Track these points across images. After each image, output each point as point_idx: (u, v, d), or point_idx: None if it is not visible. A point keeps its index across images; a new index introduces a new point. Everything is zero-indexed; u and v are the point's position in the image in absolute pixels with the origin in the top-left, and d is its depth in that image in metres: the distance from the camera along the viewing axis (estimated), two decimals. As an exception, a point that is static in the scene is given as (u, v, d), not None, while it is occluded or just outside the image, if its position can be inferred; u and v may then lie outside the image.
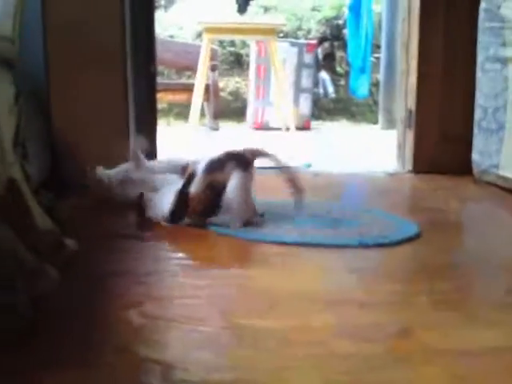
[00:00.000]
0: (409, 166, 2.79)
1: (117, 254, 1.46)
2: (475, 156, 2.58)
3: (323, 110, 5.87)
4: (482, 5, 2.44)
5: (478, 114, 2.54)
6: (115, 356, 0.93)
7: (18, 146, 1.39)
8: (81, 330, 1.02)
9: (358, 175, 2.74)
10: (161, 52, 3.61)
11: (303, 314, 1.12)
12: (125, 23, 1.97)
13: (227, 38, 5.01)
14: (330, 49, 6.00)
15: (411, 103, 2.75)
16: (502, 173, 2.38)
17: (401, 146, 2.88)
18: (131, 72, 2.15)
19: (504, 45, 2.31)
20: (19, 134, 1.39)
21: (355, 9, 5.10)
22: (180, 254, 1.56)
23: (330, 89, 5.62)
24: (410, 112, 2.76)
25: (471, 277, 1.43)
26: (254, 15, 5.67)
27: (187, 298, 1.21)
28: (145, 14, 2.18)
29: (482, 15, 2.46)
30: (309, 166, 2.94)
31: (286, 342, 1.00)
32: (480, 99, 2.52)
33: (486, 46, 2.45)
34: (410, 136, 2.78)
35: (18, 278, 0.98)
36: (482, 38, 2.47)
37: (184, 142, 3.91)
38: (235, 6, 4.48)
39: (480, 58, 2.50)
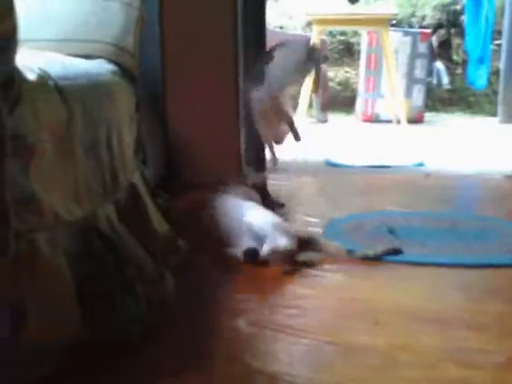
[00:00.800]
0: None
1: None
2: None
3: (438, 100, 5.66)
4: None
5: None
6: (226, 364, 0.98)
7: (139, 152, 1.49)
8: (194, 337, 1.08)
9: (473, 177, 2.63)
10: (269, 43, 3.65)
11: (409, 333, 1.11)
12: (237, 30, 2.03)
13: (337, 28, 4.95)
14: (445, 36, 5.76)
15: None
16: None
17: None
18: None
19: None
20: (139, 141, 1.48)
21: (475, -2, 4.85)
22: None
23: (445, 79, 5.41)
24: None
25: None
26: (365, 3, 5.56)
27: (291, 307, 1.23)
28: (255, 27, 2.24)
29: None
30: (421, 164, 2.88)
31: (393, 363, 1.00)
32: None
33: None
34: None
35: (139, 284, 1.05)
36: None
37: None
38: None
39: None
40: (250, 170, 2.30)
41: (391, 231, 1.72)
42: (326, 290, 1.35)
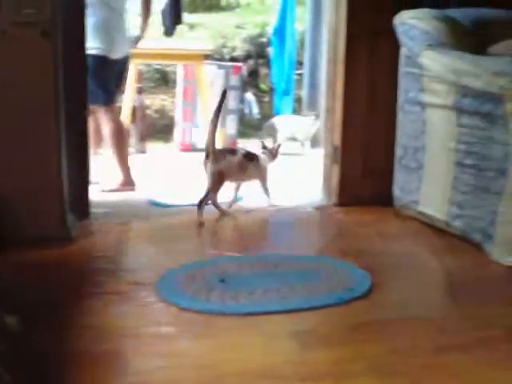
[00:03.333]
0: (334, 198, 2.92)
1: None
2: (396, 191, 2.74)
3: (249, 126, 5.96)
4: (403, 51, 2.60)
5: (399, 152, 2.71)
6: None
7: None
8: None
9: (288, 211, 2.81)
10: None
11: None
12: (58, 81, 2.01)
13: (154, 62, 4.99)
14: (254, 66, 6.11)
15: (337, 140, 2.87)
16: (421, 209, 2.55)
17: (326, 179, 3.00)
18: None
19: (422, 90, 2.47)
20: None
21: (279, 32, 5.23)
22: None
23: (255, 109, 5.73)
24: (336, 148, 2.89)
25: (400, 336, 1.53)
26: (179, 33, 5.68)
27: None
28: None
29: (402, 60, 2.62)
30: (239, 199, 3.00)
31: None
32: (401, 139, 2.68)
33: (406, 90, 2.60)
34: (336, 170, 2.91)
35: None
36: (403, 82, 2.63)
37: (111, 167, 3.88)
38: (161, 28, 4.47)
39: (400, 99, 2.66)
40: (73, 218, 2.23)
41: (222, 280, 1.79)
42: (173, 357, 1.35)
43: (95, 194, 2.62)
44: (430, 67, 2.38)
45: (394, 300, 1.77)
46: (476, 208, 2.22)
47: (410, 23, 2.53)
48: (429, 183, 2.50)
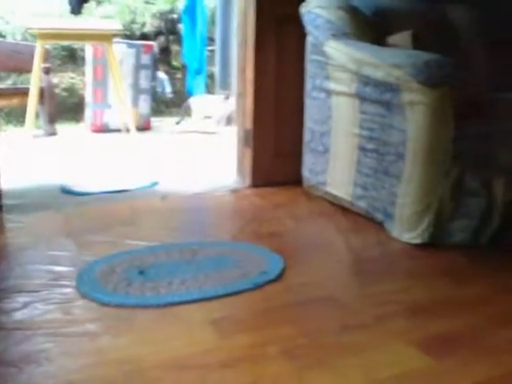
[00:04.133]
0: (248, 180, 3.02)
1: None
2: (305, 172, 2.89)
3: (162, 103, 5.94)
4: (309, 39, 2.71)
5: (307, 135, 2.84)
6: None
7: None
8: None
9: (203, 195, 2.88)
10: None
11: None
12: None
13: (62, 42, 4.84)
14: (165, 43, 6.06)
15: (248, 123, 2.96)
16: (328, 189, 2.71)
17: (240, 162, 3.10)
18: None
19: (328, 78, 2.60)
20: None
21: (190, 11, 5.21)
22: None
23: (168, 88, 5.71)
24: (248, 131, 2.98)
25: (309, 318, 1.67)
26: (86, 10, 5.52)
27: None
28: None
29: (308, 48, 2.73)
30: (154, 184, 3.04)
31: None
32: (308, 123, 2.81)
33: (312, 76, 2.72)
34: (248, 153, 3.01)
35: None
36: (309, 69, 2.74)
37: (19, 150, 3.79)
38: (68, 7, 4.33)
39: (308, 85, 2.78)
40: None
41: (141, 272, 1.85)
42: (96, 354, 1.39)
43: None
44: (333, 56, 2.50)
45: (304, 281, 1.90)
46: (377, 189, 2.39)
47: (315, 12, 2.64)
48: (335, 166, 2.65)
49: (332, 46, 2.51)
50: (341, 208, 2.63)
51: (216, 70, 5.56)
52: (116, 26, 4.08)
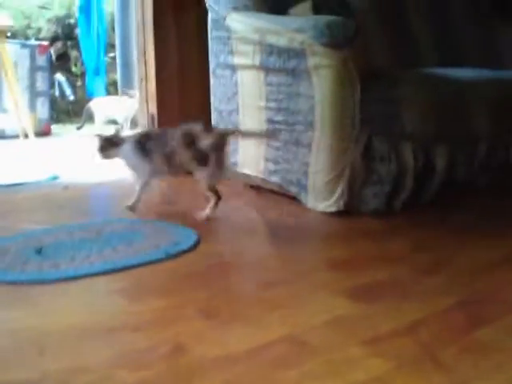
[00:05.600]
0: (157, 168, 2.89)
1: None
2: (216, 156, 2.79)
3: (63, 112, 5.68)
4: (210, 15, 2.63)
5: (214, 116, 2.75)
6: None
7: None
8: None
9: (108, 184, 2.73)
10: None
11: (78, 353, 1.11)
12: None
13: None
14: (63, 49, 5.81)
15: (153, 108, 2.84)
16: (240, 170, 2.62)
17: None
18: None
19: (232, 53, 2.53)
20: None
21: (85, 10, 5.03)
22: None
23: (68, 91, 5.46)
24: (153, 117, 2.86)
25: (227, 278, 1.57)
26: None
27: None
28: None
29: (210, 25, 2.65)
30: (55, 178, 2.85)
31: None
32: (215, 103, 2.73)
33: (216, 54, 2.64)
34: (156, 140, 2.88)
35: None
36: (212, 46, 2.66)
37: None
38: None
39: (212, 64, 2.70)
40: None
41: (38, 251, 1.67)
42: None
43: None
44: (236, 29, 2.44)
45: (220, 250, 1.81)
46: (289, 162, 2.33)
47: (214, -13, 2.57)
48: (245, 144, 2.58)
49: (233, 18, 2.45)
50: (255, 187, 2.55)
51: (118, 73, 5.39)
52: (6, 21, 3.83)
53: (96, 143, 2.08)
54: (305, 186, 2.27)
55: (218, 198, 2.10)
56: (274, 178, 2.43)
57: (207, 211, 2.09)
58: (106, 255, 1.66)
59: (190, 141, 2.03)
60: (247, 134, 2.38)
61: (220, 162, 2.06)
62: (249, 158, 2.56)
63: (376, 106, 2.20)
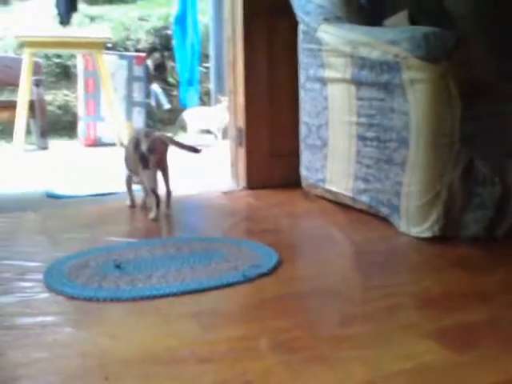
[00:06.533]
0: (243, 182, 2.85)
1: None
2: (303, 171, 2.71)
3: (159, 121, 5.80)
4: (300, 27, 2.56)
5: (303, 131, 2.67)
6: None
7: None
8: None
9: (193, 197, 2.71)
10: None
11: (143, 382, 1.07)
12: None
13: (50, 51, 4.75)
14: (160, 59, 5.95)
15: (241, 122, 2.80)
16: (328, 187, 2.52)
17: (233, 164, 2.93)
18: None
19: (322, 66, 2.44)
20: None
21: (181, 21, 5.10)
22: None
23: (164, 101, 5.56)
24: (241, 130, 2.81)
25: (306, 310, 1.47)
26: (80, 26, 5.44)
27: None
28: None
29: (300, 37, 2.58)
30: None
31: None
32: (304, 117, 2.65)
33: (306, 67, 2.57)
34: (242, 153, 2.84)
35: None
36: (302, 59, 2.59)
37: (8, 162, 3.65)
38: (57, 18, 4.24)
39: (301, 77, 2.62)
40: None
41: (118, 266, 1.66)
42: (56, 347, 1.22)
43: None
44: (326, 41, 2.35)
45: (301, 275, 1.72)
46: (381, 181, 2.20)
47: (306, -2, 2.50)
48: (334, 160, 2.48)
49: (324, 30, 2.36)
50: (342, 205, 2.44)
51: (211, 85, 5.43)
52: (105, 34, 3.97)
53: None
54: (397, 208, 2.13)
55: (158, 199, 2.23)
56: (364, 198, 2.31)
57: (154, 213, 2.21)
58: (184, 274, 1.62)
59: (137, 145, 2.23)
60: (176, 144, 2.35)
61: (158, 165, 2.25)
62: (337, 175, 2.45)
63: (478, 123, 2.03)
